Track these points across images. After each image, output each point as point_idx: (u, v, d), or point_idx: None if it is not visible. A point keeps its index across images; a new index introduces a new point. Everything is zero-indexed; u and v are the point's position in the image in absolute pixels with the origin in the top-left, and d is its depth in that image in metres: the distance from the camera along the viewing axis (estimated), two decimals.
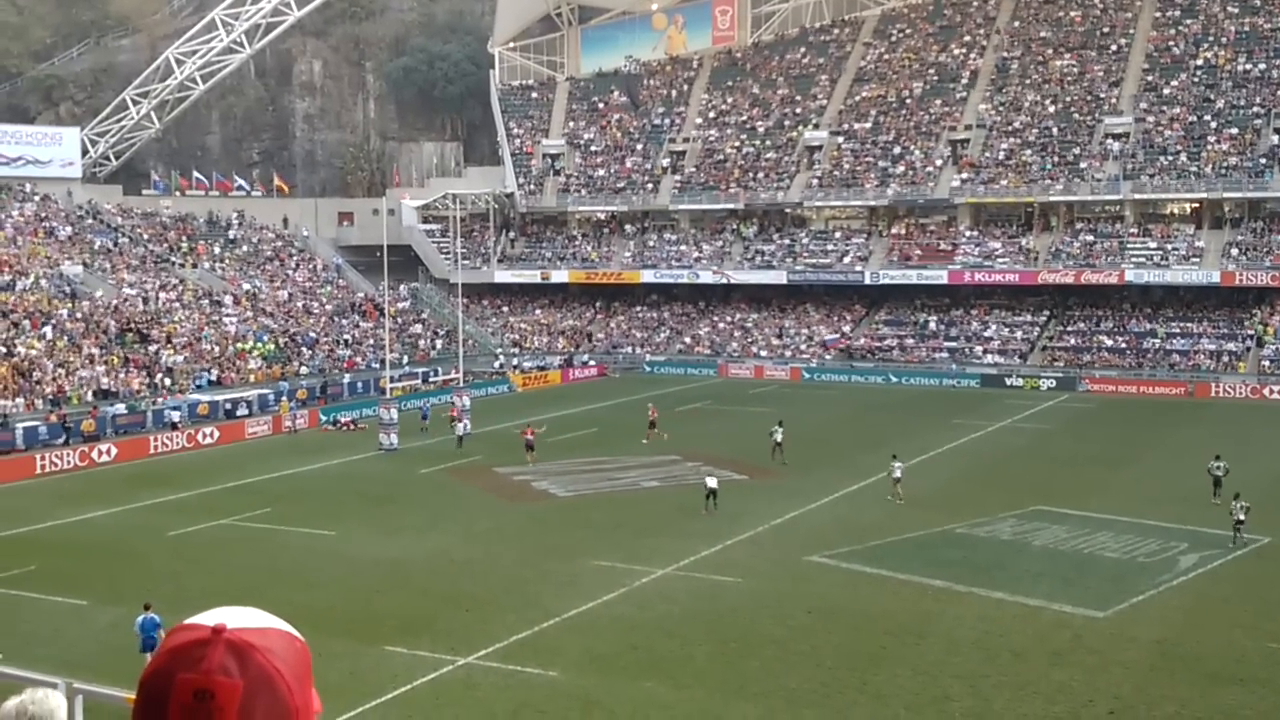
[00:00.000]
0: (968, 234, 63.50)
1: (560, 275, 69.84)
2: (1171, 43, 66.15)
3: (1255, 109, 60.98)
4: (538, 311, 70.69)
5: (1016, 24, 71.71)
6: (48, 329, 47.82)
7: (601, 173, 74.05)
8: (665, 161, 72.93)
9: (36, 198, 60.96)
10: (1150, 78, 65.04)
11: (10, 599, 22.68)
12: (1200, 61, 64.48)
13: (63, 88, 79.81)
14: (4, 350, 44.94)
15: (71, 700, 9.51)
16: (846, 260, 64.81)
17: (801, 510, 29.57)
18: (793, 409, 48.04)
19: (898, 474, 30.48)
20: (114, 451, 38.88)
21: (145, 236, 61.73)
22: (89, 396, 44.27)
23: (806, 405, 48.96)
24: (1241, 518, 25.75)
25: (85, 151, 67.94)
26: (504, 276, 70.51)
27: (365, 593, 22.84)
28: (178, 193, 69.44)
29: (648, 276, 68.19)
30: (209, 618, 1.54)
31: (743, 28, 79.07)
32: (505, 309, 71.17)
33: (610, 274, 68.79)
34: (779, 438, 36.24)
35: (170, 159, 76.43)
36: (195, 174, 71.23)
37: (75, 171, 64.90)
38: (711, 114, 75.07)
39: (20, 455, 37.44)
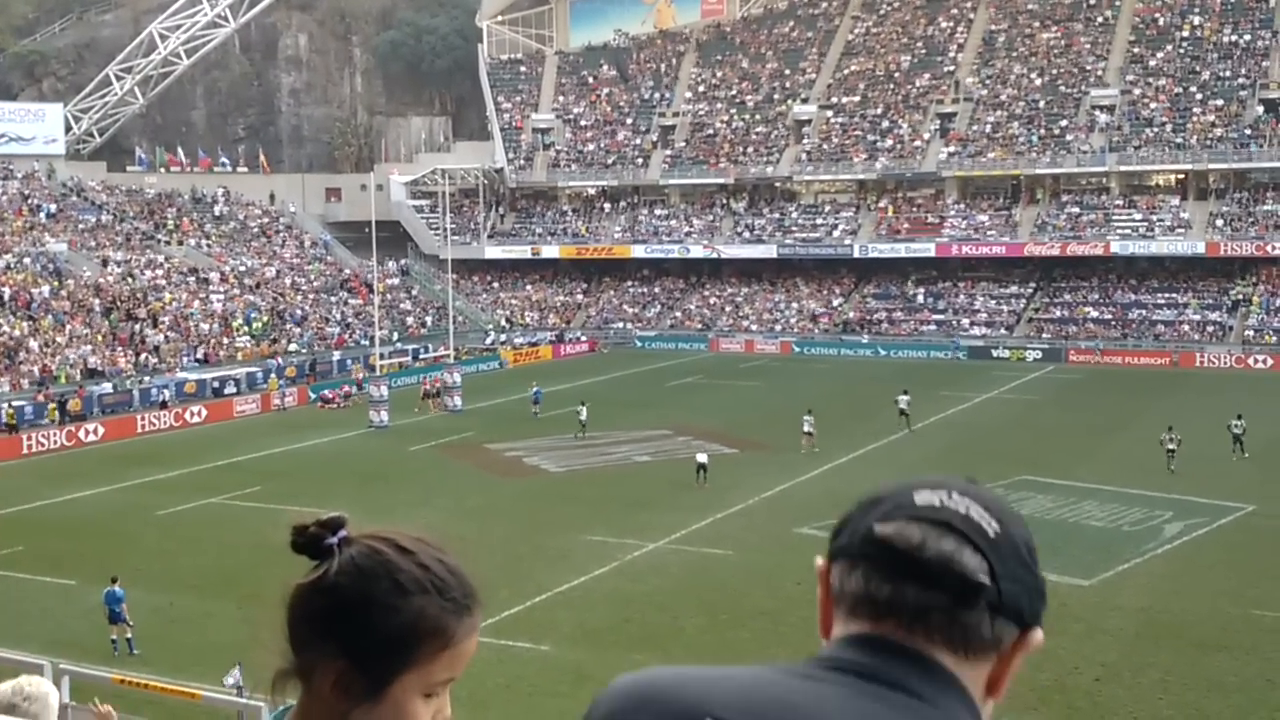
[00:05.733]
0: (955, 207, 63.55)
1: (551, 251, 69.70)
2: (1157, 14, 66.07)
3: (1240, 80, 61.02)
4: (528, 287, 70.57)
5: None
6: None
7: (591, 147, 73.81)
8: (655, 136, 72.73)
9: (19, 175, 60.52)
10: (1136, 49, 65.01)
11: None
12: (1186, 33, 64.44)
13: (45, 64, 79.15)
14: None
15: (59, 681, 9.57)
16: (836, 234, 64.83)
17: (792, 483, 29.70)
18: (783, 382, 48.16)
19: (808, 428, 33.34)
20: (101, 431, 38.80)
21: (130, 214, 61.38)
22: (76, 376, 44.10)
23: (797, 379, 49.08)
24: (1172, 448, 29.27)
25: (69, 128, 67.42)
26: (494, 252, 70.35)
27: None
28: (162, 169, 69.01)
29: (638, 251, 68.10)
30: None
31: (731, 1, 78.71)
32: (495, 285, 71.04)
33: (601, 249, 68.70)
34: (904, 405, 36.48)
35: (155, 135, 75.90)
36: (180, 150, 70.79)
37: (59, 148, 64.40)
38: (701, 88, 74.82)
39: (7, 435, 37.32)
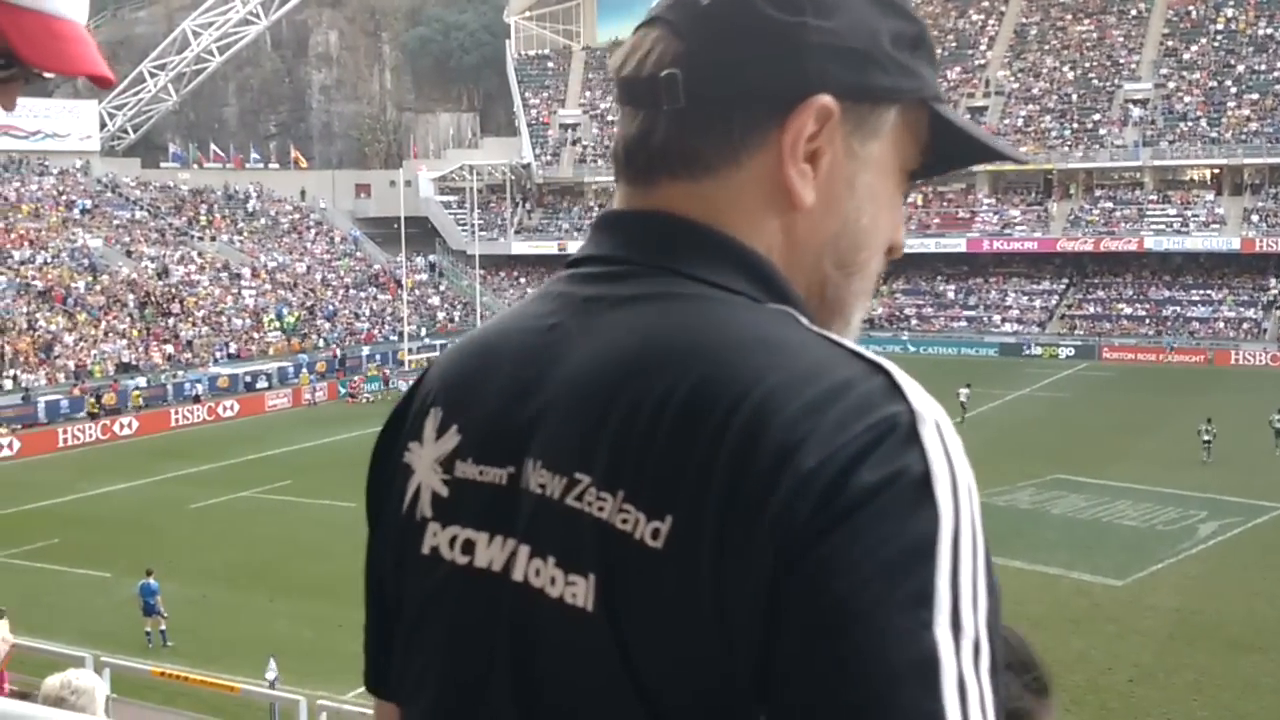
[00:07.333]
0: (986, 202, 63.13)
1: (577, 246, 69.05)
2: (1191, 6, 65.35)
3: (1276, 73, 60.26)
4: None
5: None
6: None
7: None
8: None
9: (55, 172, 61.19)
10: (1170, 42, 64.35)
11: (34, 571, 22.96)
12: (1220, 25, 63.74)
13: None
14: (26, 325, 45.27)
15: (99, 673, 9.69)
16: None
17: None
18: None
19: None
20: (135, 425, 39.19)
21: (164, 210, 61.95)
22: (111, 370, 44.58)
23: None
24: (1208, 439, 30.06)
25: (103, 125, 68.10)
26: (521, 248, 70.49)
27: None
28: (195, 165, 69.62)
29: None
30: None
31: None
32: (522, 280, 71.16)
33: None
34: (964, 398, 36.45)
35: (188, 131, 76.58)
36: (213, 147, 71.41)
37: (93, 145, 65.06)
38: None
39: (43, 429, 37.77)
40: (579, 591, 0.85)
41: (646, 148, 0.96)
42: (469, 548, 0.94)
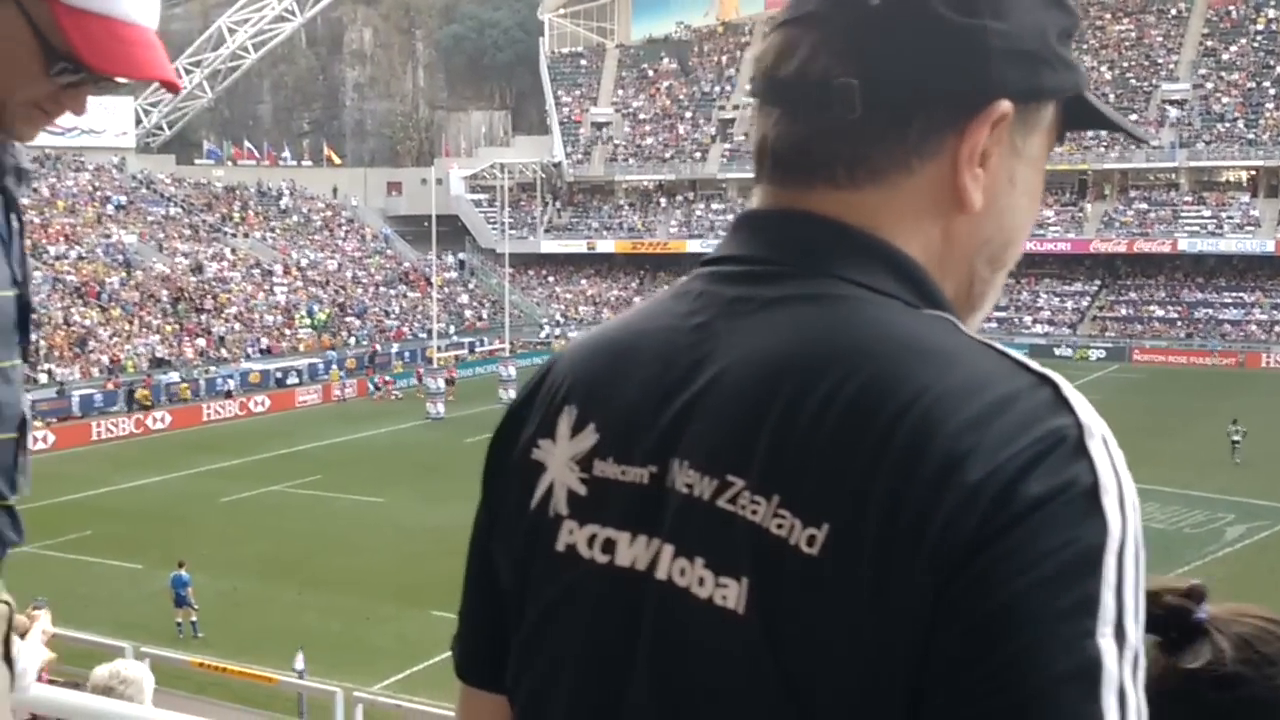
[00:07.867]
0: None
1: (606, 245, 69.86)
2: (1232, 6, 64.73)
3: None
4: (583, 282, 70.83)
5: None
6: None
7: (650, 141, 73.87)
8: (714, 130, 72.61)
9: (90, 167, 61.88)
10: (1209, 42, 63.77)
11: (68, 562, 23.29)
12: (1260, 26, 63.12)
13: None
14: (61, 319, 45.85)
15: (140, 662, 9.89)
16: None
17: None
18: None
19: None
20: (168, 419, 39.66)
21: (198, 206, 62.54)
22: (144, 365, 45.10)
23: None
24: (1237, 439, 30.62)
25: (139, 121, 68.77)
26: (550, 246, 70.65)
27: (413, 558, 23.18)
28: (229, 162, 70.23)
29: (694, 246, 67.85)
30: None
31: None
32: (551, 279, 71.39)
33: (656, 244, 68.72)
34: None
35: (222, 129, 77.25)
36: (247, 144, 72.00)
37: (129, 141, 65.72)
38: None
39: (77, 422, 38.27)
40: (730, 594, 0.85)
41: (807, 153, 0.93)
42: (609, 547, 0.94)
